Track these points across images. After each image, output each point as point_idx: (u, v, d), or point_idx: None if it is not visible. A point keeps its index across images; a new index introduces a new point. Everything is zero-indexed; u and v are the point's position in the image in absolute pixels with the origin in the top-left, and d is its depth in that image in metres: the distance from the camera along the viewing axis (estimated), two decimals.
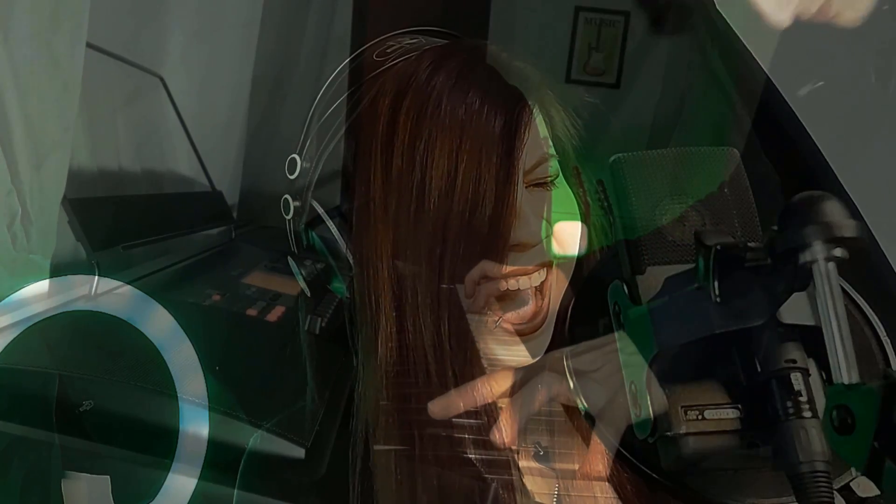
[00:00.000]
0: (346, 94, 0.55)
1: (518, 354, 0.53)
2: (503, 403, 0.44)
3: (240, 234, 0.97)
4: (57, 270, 0.54)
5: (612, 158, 0.40)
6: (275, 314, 0.60)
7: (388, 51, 0.55)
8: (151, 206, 0.83)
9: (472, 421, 0.45)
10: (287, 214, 0.57)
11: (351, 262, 0.53)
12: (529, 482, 0.50)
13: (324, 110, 0.56)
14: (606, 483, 0.45)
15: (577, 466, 0.44)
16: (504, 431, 0.42)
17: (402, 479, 0.48)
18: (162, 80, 0.93)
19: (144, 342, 0.44)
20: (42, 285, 0.49)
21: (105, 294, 0.56)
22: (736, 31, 0.58)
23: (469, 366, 0.49)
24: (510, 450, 0.45)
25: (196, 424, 0.38)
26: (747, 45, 0.57)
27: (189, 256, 0.79)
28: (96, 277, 0.57)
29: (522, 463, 0.51)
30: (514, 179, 0.50)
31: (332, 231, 0.54)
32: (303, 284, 0.57)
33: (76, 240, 0.60)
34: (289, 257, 0.58)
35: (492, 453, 0.45)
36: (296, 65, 1.13)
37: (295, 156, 0.56)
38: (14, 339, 0.41)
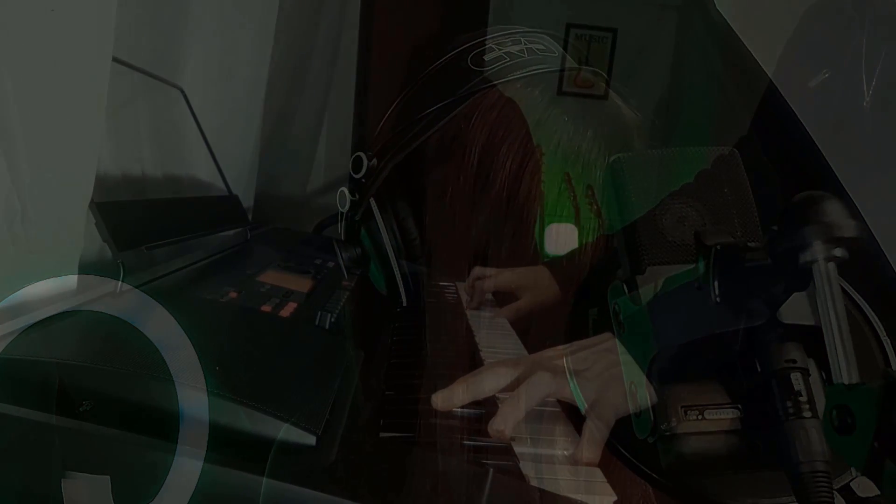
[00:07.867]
0: (439, 105, 0.54)
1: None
2: (507, 395, 0.44)
3: (254, 236, 0.99)
4: (79, 271, 0.56)
5: (612, 158, 0.41)
6: (287, 310, 0.61)
7: (486, 58, 0.54)
8: (172, 210, 0.86)
9: (475, 411, 0.46)
10: (343, 207, 0.59)
11: (394, 258, 0.54)
12: (526, 469, 0.51)
13: (403, 113, 0.57)
14: (601, 471, 0.46)
15: (572, 457, 0.45)
16: (506, 422, 0.42)
17: (407, 467, 0.49)
18: (182, 91, 0.95)
19: (159, 337, 0.46)
20: (55, 284, 0.51)
21: (127, 293, 0.58)
22: (736, 32, 0.58)
23: (472, 359, 0.50)
24: (511, 439, 0.45)
25: (207, 414, 0.39)
26: (747, 45, 0.57)
27: (207, 256, 0.81)
28: (120, 278, 0.59)
29: (520, 451, 0.51)
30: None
31: (385, 230, 0.55)
32: (343, 270, 0.59)
33: (102, 241, 0.62)
34: (335, 242, 0.62)
35: (493, 442, 0.46)
36: (306, 75, 1.16)
37: (361, 154, 0.58)
38: (15, 338, 0.42)
